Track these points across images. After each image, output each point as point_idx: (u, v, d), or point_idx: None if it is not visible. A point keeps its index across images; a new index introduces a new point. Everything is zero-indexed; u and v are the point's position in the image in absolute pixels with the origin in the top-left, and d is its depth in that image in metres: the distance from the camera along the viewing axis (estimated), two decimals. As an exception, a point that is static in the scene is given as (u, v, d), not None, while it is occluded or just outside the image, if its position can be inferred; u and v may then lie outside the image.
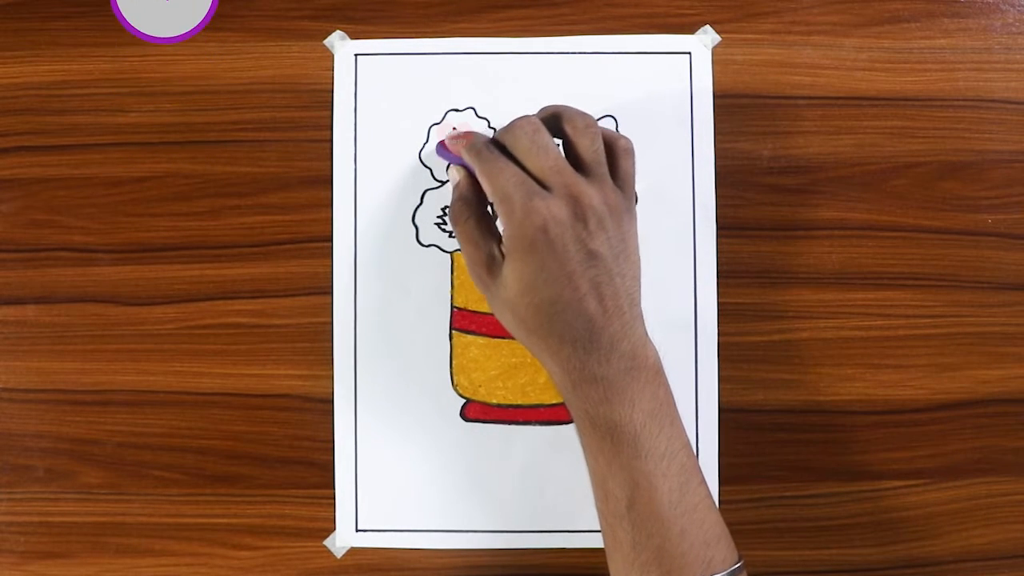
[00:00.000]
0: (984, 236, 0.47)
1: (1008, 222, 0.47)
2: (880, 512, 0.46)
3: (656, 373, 0.39)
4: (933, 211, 0.47)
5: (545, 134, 0.39)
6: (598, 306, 0.37)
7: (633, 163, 0.41)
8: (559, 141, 0.40)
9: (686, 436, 0.39)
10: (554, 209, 0.37)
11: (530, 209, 0.37)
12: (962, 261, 0.47)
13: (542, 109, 0.41)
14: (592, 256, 0.37)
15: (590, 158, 0.39)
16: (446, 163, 0.46)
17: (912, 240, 0.47)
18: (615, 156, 0.40)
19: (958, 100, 0.47)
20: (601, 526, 0.39)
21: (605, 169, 0.39)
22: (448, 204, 0.46)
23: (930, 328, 0.47)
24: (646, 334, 0.39)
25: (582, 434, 0.39)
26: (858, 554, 0.46)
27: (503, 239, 0.39)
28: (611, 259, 0.38)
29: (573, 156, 0.40)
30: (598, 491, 0.39)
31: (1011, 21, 0.47)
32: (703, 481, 0.39)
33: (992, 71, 0.47)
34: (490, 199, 0.39)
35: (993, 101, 0.47)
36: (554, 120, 0.40)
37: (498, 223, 0.40)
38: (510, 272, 0.38)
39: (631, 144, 0.41)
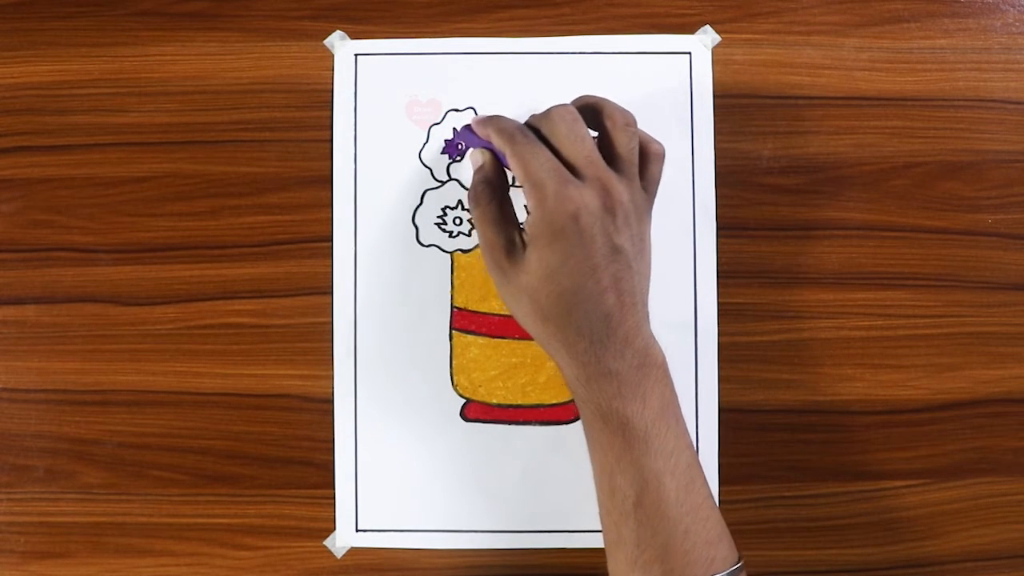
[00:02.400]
0: (984, 236, 0.47)
1: (1008, 222, 0.47)
2: (880, 512, 0.46)
3: (664, 372, 0.39)
4: (933, 211, 0.47)
5: (582, 124, 0.39)
6: (616, 301, 0.38)
7: (661, 168, 0.41)
8: (594, 133, 0.40)
9: (689, 436, 0.39)
10: (587, 198, 0.37)
11: (563, 196, 0.37)
12: (962, 261, 0.47)
13: (579, 98, 0.41)
14: (616, 251, 0.38)
15: (625, 156, 0.39)
16: (447, 163, 0.46)
17: (912, 240, 0.47)
18: (646, 158, 0.41)
19: (958, 100, 0.47)
20: (603, 522, 0.39)
21: (636, 169, 0.40)
22: (447, 204, 0.46)
23: (930, 328, 0.47)
24: (652, 333, 0.39)
25: (591, 429, 0.39)
26: (858, 554, 0.46)
27: (529, 224, 0.39)
28: (632, 256, 0.38)
29: (608, 151, 0.40)
30: (604, 487, 0.39)
31: (1011, 21, 0.47)
32: (705, 481, 0.39)
33: (992, 71, 0.47)
34: (520, 183, 0.39)
35: (993, 101, 0.47)
36: (592, 112, 0.40)
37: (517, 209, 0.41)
38: (534, 258, 0.38)
39: (664, 150, 0.41)
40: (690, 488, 0.37)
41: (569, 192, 0.37)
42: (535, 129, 0.40)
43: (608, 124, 0.40)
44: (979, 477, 0.46)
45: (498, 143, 0.40)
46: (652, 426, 0.37)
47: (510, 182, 0.43)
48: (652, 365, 0.38)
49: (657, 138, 0.41)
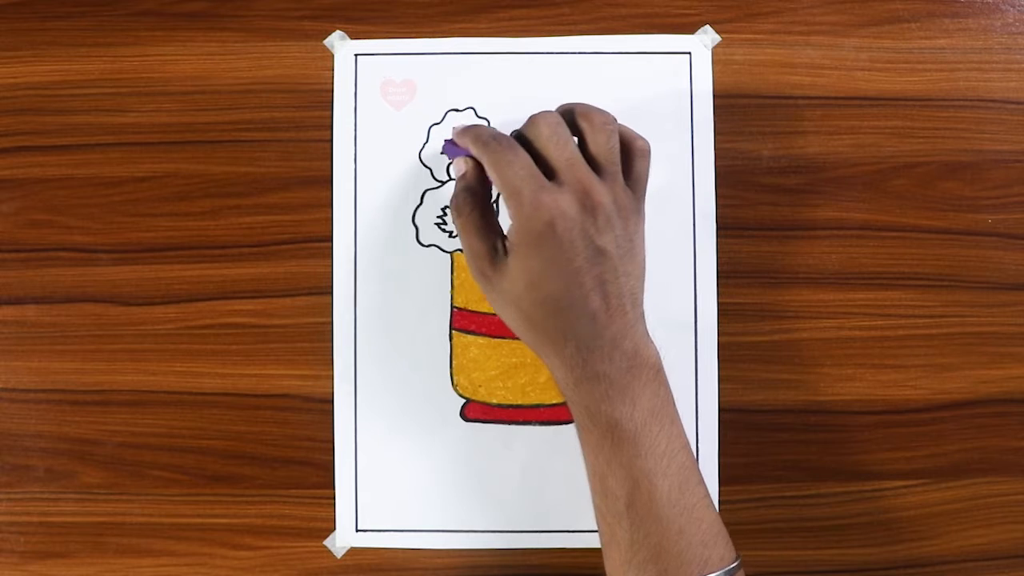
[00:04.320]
0: (984, 236, 0.47)
1: (1008, 222, 0.47)
2: (880, 512, 0.46)
3: (657, 372, 0.39)
4: (933, 211, 0.47)
5: (565, 127, 0.39)
6: (602, 303, 0.37)
7: (648, 165, 0.41)
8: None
9: (685, 436, 0.39)
10: (563, 204, 0.37)
11: (539, 203, 0.37)
12: (962, 261, 0.47)
13: (561, 106, 0.41)
14: (599, 253, 0.38)
15: (603, 156, 0.39)
16: (447, 163, 0.46)
17: (912, 240, 0.47)
18: (631, 156, 0.40)
19: (958, 100, 0.47)
20: (598, 524, 0.39)
21: (618, 168, 0.39)
22: (448, 204, 0.46)
23: (930, 328, 0.47)
24: (647, 333, 0.39)
25: (582, 431, 0.39)
26: (858, 554, 0.46)
27: (510, 232, 0.39)
28: (617, 257, 0.38)
29: (587, 152, 0.39)
30: (596, 488, 0.39)
31: (1011, 21, 0.47)
32: (701, 481, 0.39)
33: (992, 71, 0.47)
34: (498, 191, 0.39)
35: (993, 101, 0.47)
36: (571, 116, 0.40)
37: (501, 216, 0.40)
38: (516, 266, 0.38)
39: (648, 146, 0.41)
40: (684, 488, 0.37)
41: (544, 198, 0.37)
42: (523, 137, 0.40)
43: (584, 125, 0.39)
44: (979, 477, 0.46)
45: (476, 152, 0.40)
46: (642, 427, 0.37)
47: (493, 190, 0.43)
48: (643, 366, 0.38)
49: (657, 138, 0.41)
